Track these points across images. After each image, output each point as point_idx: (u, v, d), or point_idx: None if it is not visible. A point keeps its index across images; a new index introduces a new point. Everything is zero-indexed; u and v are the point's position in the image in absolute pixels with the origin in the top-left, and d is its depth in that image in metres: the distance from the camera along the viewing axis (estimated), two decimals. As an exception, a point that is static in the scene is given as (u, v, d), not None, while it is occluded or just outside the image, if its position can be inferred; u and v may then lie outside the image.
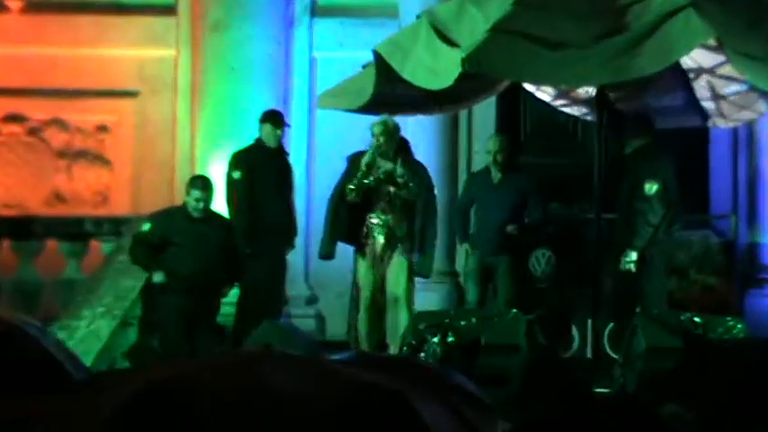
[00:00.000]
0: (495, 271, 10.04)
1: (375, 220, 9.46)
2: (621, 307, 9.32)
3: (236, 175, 10.15)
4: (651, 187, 9.27)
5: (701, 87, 9.30)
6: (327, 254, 9.68)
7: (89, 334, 9.68)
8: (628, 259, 9.23)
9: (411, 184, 9.41)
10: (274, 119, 10.31)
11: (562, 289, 10.75)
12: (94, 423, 1.84)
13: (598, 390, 7.88)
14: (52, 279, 10.97)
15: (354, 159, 9.59)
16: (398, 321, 9.30)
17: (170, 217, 9.43)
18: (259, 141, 10.29)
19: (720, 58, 8.61)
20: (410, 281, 9.46)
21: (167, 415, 1.87)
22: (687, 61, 8.96)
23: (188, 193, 9.42)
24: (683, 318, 8.43)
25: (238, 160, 10.24)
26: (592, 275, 9.15)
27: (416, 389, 1.98)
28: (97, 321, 9.57)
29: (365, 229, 9.46)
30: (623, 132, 9.52)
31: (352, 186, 9.38)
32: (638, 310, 9.10)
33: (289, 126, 10.61)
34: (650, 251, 9.28)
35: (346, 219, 9.51)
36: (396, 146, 9.53)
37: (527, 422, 2.06)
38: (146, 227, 9.38)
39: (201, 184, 9.46)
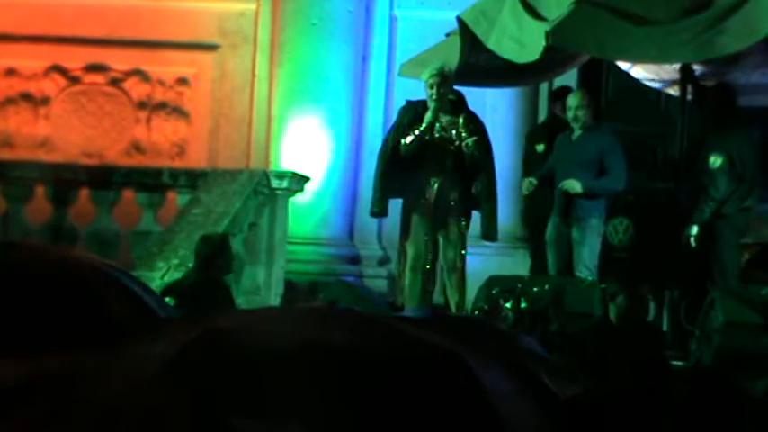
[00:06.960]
0: (570, 237, 9.46)
1: (428, 181, 8.92)
2: (692, 280, 9.15)
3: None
4: (715, 161, 9.07)
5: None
6: (380, 211, 9.19)
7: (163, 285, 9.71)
8: (688, 233, 9.06)
9: (470, 141, 8.85)
10: None
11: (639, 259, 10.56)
12: (145, 372, 1.83)
13: (674, 362, 7.76)
14: (128, 229, 11.02)
15: (406, 110, 9.08)
16: (454, 284, 9.00)
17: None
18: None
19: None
20: (463, 248, 9.04)
21: (220, 362, 1.88)
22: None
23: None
24: (763, 292, 8.25)
25: None
26: (670, 247, 9.00)
27: (478, 349, 1.95)
28: (172, 273, 9.58)
29: (417, 189, 8.93)
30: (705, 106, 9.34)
31: (408, 141, 8.88)
32: (708, 284, 8.94)
33: None
34: (718, 225, 9.09)
35: (398, 174, 8.94)
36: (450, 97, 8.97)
37: (599, 389, 2.00)
38: None
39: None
